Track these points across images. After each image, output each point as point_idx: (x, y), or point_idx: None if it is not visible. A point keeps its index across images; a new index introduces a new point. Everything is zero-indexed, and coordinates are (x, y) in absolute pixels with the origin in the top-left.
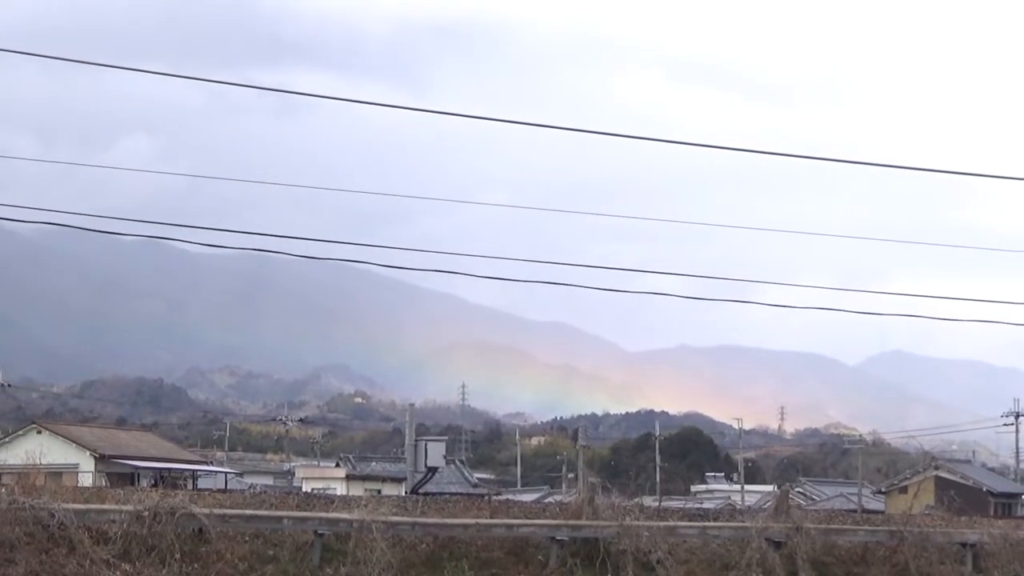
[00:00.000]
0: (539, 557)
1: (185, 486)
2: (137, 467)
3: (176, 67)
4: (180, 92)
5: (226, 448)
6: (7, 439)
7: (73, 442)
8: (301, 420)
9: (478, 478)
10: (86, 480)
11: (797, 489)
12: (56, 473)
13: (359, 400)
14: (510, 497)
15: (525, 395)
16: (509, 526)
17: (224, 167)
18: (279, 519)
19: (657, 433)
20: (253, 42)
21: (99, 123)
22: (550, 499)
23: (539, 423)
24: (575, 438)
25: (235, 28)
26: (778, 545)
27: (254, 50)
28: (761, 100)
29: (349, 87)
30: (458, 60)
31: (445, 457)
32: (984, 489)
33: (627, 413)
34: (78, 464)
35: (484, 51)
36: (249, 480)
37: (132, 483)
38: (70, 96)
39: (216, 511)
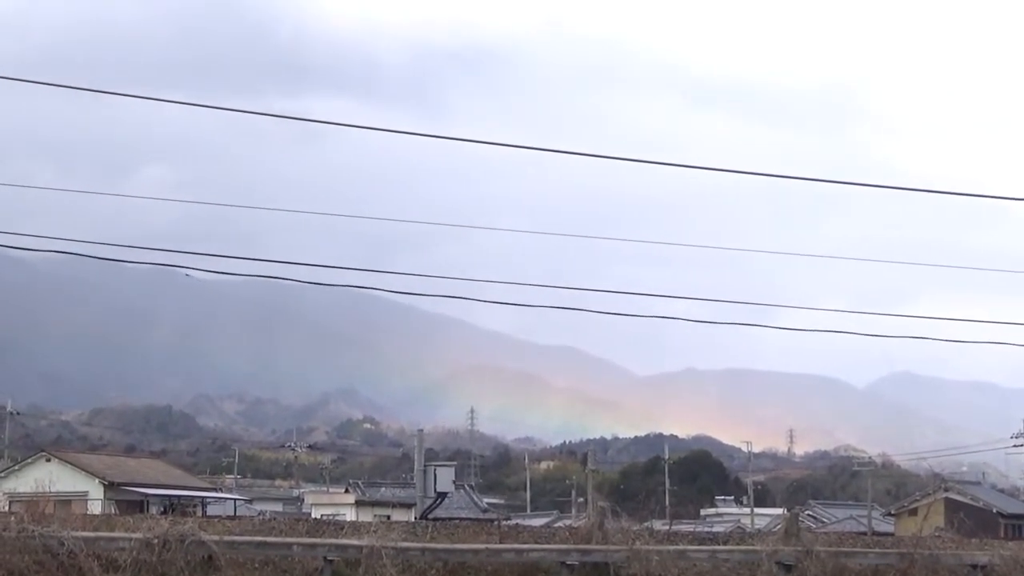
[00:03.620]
0: None
1: (194, 513)
2: (146, 494)
3: (196, 94)
4: (201, 120)
5: (235, 474)
6: (16, 467)
7: (82, 470)
8: (310, 446)
9: (487, 503)
10: (95, 508)
11: (807, 512)
12: (65, 501)
13: (368, 426)
14: (519, 522)
15: (534, 420)
16: (519, 551)
17: (244, 195)
18: (289, 546)
19: (666, 457)
20: (272, 69)
21: (119, 151)
22: (560, 523)
23: (548, 447)
24: (584, 462)
25: (254, 55)
26: (788, 568)
27: (274, 77)
28: (780, 123)
29: (367, 113)
30: (475, 85)
31: (454, 482)
32: (994, 511)
33: (636, 437)
34: (87, 492)
35: (500, 76)
36: (258, 506)
37: (141, 510)
38: (90, 124)
39: (226, 538)
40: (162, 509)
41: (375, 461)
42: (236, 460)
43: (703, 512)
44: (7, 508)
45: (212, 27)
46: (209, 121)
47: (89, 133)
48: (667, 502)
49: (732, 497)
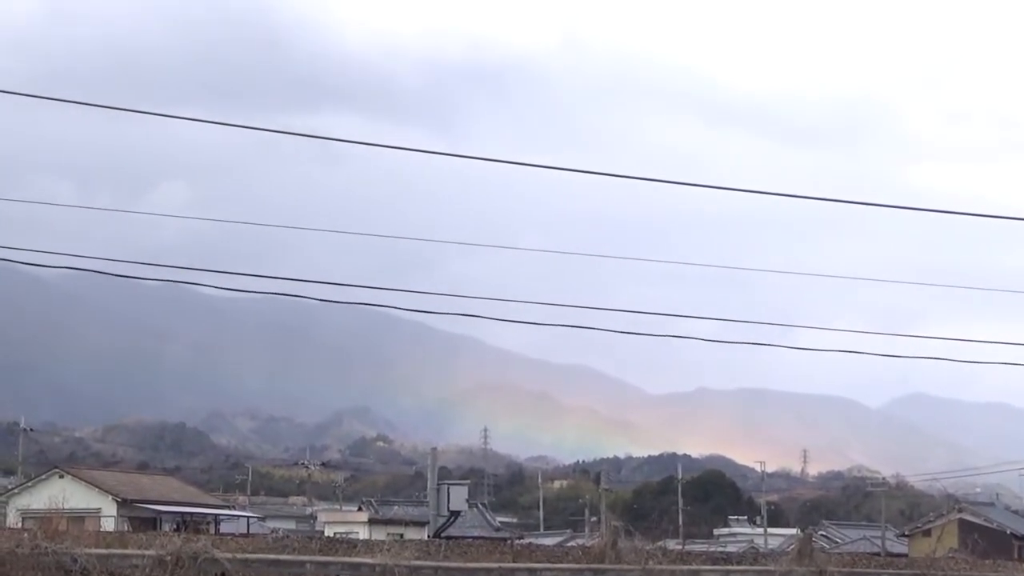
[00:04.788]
0: None
1: (207, 530)
2: (159, 511)
3: (214, 113)
4: (218, 137)
5: (248, 492)
6: (30, 483)
7: (95, 487)
8: (323, 464)
9: (500, 522)
10: (108, 525)
11: (820, 532)
12: (79, 518)
13: (381, 444)
14: (532, 541)
15: (547, 438)
16: (532, 570)
17: (261, 212)
18: (302, 564)
19: (679, 476)
20: (289, 87)
21: (137, 169)
22: (572, 542)
23: (561, 466)
24: (597, 481)
25: (271, 74)
26: None
27: (291, 95)
28: (797, 141)
29: (383, 131)
30: (490, 103)
31: (468, 501)
32: (1008, 532)
33: (649, 456)
34: (100, 509)
35: (517, 95)
36: (271, 524)
37: (154, 528)
38: (108, 142)
39: (239, 556)
40: (175, 526)
41: (388, 479)
42: (249, 477)
43: (716, 532)
44: (20, 524)
45: (229, 46)
46: (227, 139)
47: (108, 150)
48: (680, 522)
49: (745, 517)
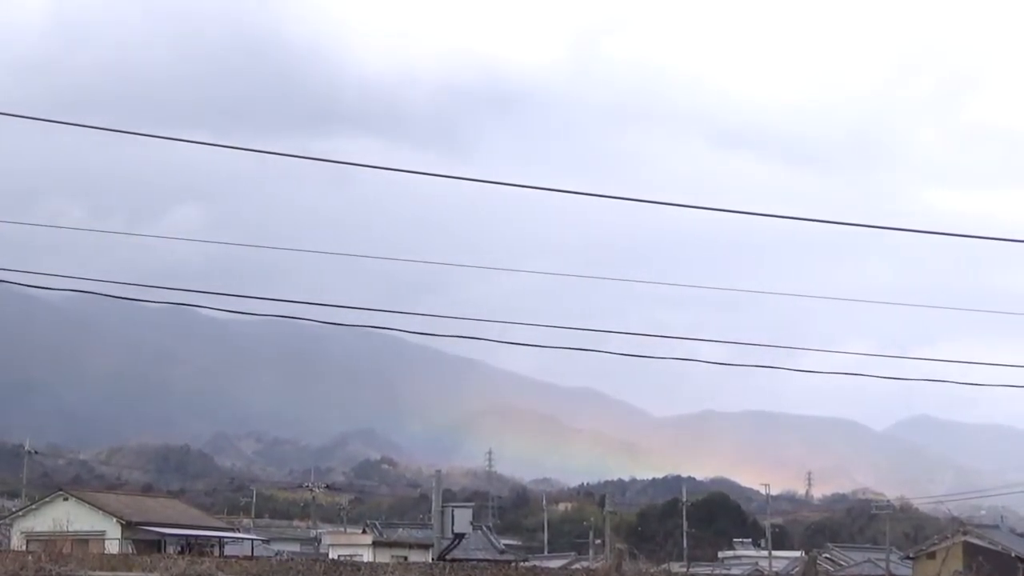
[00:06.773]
0: None
1: (212, 553)
2: (164, 534)
3: (227, 136)
4: (231, 160)
5: (252, 515)
6: (34, 506)
7: (100, 509)
8: (328, 486)
9: (505, 544)
10: (113, 547)
11: (825, 555)
12: (83, 540)
13: (386, 466)
14: (537, 563)
15: (553, 461)
16: None
17: (273, 235)
18: None
19: (684, 499)
20: (303, 110)
21: (152, 191)
22: (577, 565)
23: (566, 489)
24: (602, 504)
25: (285, 97)
26: None
27: (304, 118)
28: (805, 165)
29: (396, 154)
30: (501, 126)
31: (472, 523)
32: (1013, 554)
33: (654, 479)
34: (105, 531)
35: (527, 117)
36: (276, 547)
37: (159, 550)
38: (123, 163)
39: None
40: (179, 549)
41: (393, 502)
42: (254, 500)
43: (721, 554)
44: (25, 547)
45: (244, 70)
46: (240, 162)
47: (121, 173)
48: (685, 544)
49: (750, 540)
